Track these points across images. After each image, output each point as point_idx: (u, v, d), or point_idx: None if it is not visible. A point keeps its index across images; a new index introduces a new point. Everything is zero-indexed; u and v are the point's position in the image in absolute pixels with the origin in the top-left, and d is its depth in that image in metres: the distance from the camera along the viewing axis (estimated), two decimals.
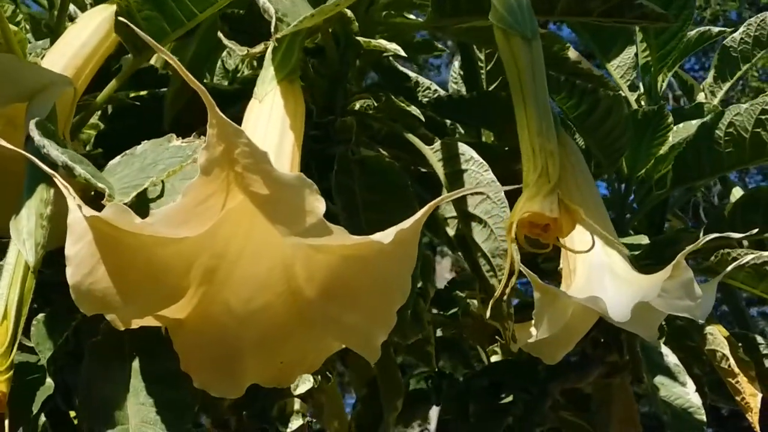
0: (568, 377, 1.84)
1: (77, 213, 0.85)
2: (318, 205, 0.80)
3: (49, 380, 1.20)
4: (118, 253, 0.86)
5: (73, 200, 0.85)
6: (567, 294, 1.33)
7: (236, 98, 1.52)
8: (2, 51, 1.23)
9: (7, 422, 0.99)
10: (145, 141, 1.16)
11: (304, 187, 0.79)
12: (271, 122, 1.00)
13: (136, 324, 0.93)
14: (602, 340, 1.80)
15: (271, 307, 0.94)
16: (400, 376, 1.49)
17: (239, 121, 1.50)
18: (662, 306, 1.30)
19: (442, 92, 1.92)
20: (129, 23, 1.18)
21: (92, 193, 1.16)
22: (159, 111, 1.49)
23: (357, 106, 1.47)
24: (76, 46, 1.26)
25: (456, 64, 2.04)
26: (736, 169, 1.60)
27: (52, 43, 1.37)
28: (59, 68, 1.22)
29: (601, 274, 1.39)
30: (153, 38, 1.21)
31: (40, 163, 0.90)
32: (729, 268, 1.42)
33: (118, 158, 1.14)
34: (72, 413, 1.47)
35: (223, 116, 0.79)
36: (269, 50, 1.08)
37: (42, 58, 1.28)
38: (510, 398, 1.92)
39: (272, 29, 0.92)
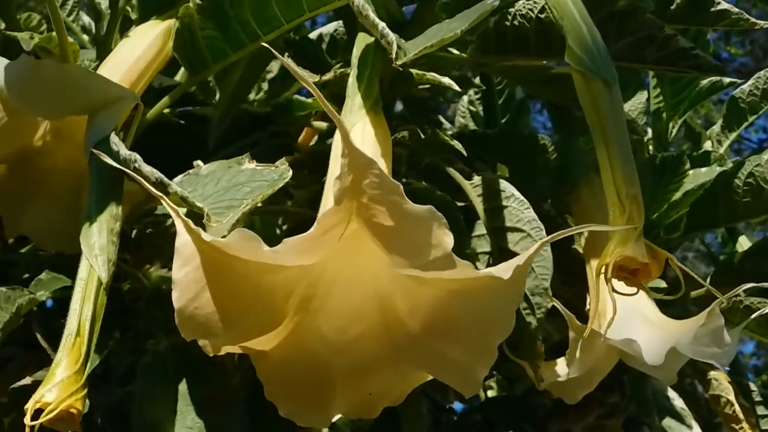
0: (568, 416, 1.84)
1: (185, 236, 0.83)
2: (445, 239, 0.79)
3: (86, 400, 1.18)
4: (224, 279, 0.85)
5: (182, 224, 0.83)
6: (603, 335, 1.33)
7: (267, 121, 1.52)
8: (58, 61, 1.21)
9: None
10: (200, 162, 1.14)
11: (433, 220, 0.79)
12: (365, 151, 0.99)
13: (224, 350, 0.91)
14: (603, 380, 1.80)
15: (365, 338, 0.93)
16: (425, 410, 1.48)
17: (269, 142, 1.52)
18: (689, 351, 1.31)
19: (447, 125, 1.94)
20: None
21: None
22: (189, 128, 1.48)
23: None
24: (131, 61, 1.25)
25: (465, 99, 2.06)
26: (751, 219, 1.63)
27: (98, 55, 1.35)
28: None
29: (631, 317, 1.40)
30: (211, 58, 1.22)
31: (143, 181, 0.88)
32: (753, 317, 1.45)
33: (180, 177, 1.13)
34: None
35: (356, 147, 0.78)
36: (352, 79, 1.08)
37: (95, 71, 1.26)
38: None
39: (393, 56, 0.91)
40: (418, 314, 0.90)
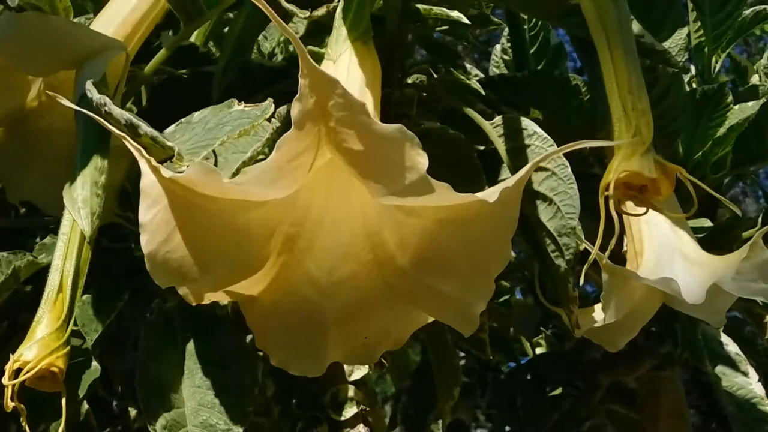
0: (619, 369, 1.77)
1: (151, 176, 0.78)
2: (420, 159, 0.73)
3: (95, 364, 1.15)
4: (195, 219, 0.79)
5: (146, 162, 0.78)
6: (638, 276, 1.26)
7: (282, 75, 1.46)
8: None
9: (63, 401, 0.94)
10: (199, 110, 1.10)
11: (405, 140, 0.72)
12: (349, 82, 0.93)
13: (208, 299, 0.86)
14: (654, 329, 1.72)
15: (356, 278, 0.87)
16: (458, 362, 1.43)
17: (288, 98, 1.46)
18: (734, 289, 1.23)
19: (475, 72, 1.86)
20: None
21: None
22: (201, 88, 1.43)
23: (409, 80, 1.40)
24: (125, 12, 1.20)
25: (498, 47, 1.98)
26: None
27: (95, 11, 1.30)
28: (108, 35, 1.15)
29: (670, 256, 1.32)
30: (206, 5, 1.17)
31: (106, 123, 0.83)
32: None
33: (172, 127, 1.09)
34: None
35: (316, 65, 0.72)
36: (339, 10, 1.02)
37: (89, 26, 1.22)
38: (558, 391, 1.85)
39: None
40: (407, 248, 0.84)
